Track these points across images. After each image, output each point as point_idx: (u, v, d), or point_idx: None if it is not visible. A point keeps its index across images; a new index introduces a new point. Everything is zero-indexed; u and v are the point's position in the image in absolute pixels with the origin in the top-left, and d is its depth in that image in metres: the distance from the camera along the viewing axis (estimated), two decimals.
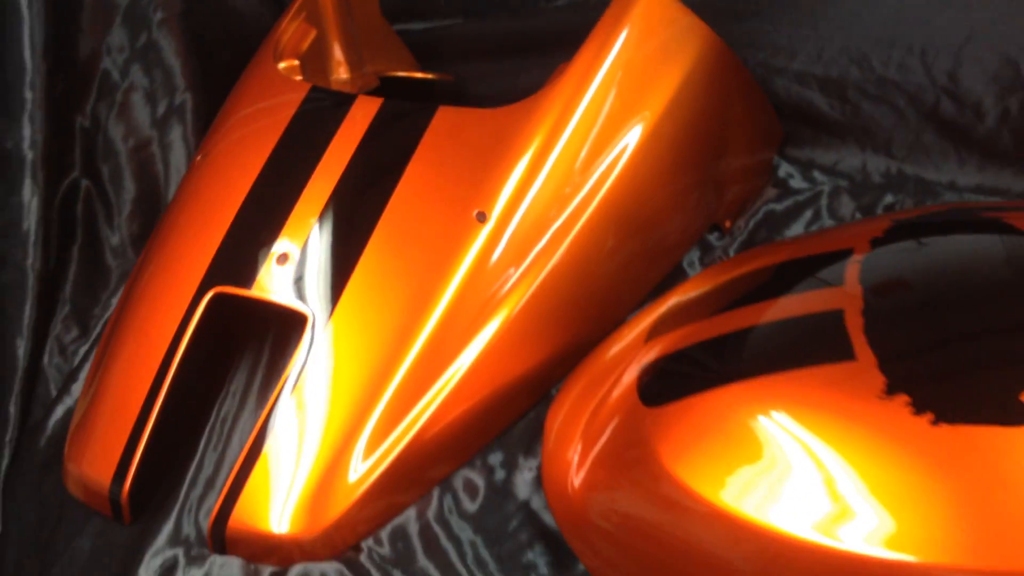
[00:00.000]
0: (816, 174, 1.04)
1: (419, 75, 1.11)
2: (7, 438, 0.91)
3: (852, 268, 0.67)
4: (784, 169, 1.05)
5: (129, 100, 1.08)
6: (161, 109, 1.07)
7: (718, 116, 0.94)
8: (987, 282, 0.64)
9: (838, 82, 1.01)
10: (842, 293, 0.65)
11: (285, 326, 0.78)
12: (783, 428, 0.60)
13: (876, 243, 0.69)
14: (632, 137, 0.85)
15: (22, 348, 0.95)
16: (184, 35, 1.09)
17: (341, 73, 1.03)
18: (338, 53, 1.02)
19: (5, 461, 0.89)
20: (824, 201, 0.99)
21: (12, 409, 0.92)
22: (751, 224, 0.99)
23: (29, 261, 0.98)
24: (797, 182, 1.04)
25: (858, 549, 0.55)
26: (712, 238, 0.98)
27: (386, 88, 1.06)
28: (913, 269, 0.66)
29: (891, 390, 0.58)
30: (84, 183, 1.06)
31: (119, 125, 1.08)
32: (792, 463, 0.59)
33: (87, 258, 1.04)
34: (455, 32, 1.22)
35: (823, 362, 0.61)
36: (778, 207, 1.00)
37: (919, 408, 0.57)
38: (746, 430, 0.62)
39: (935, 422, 0.56)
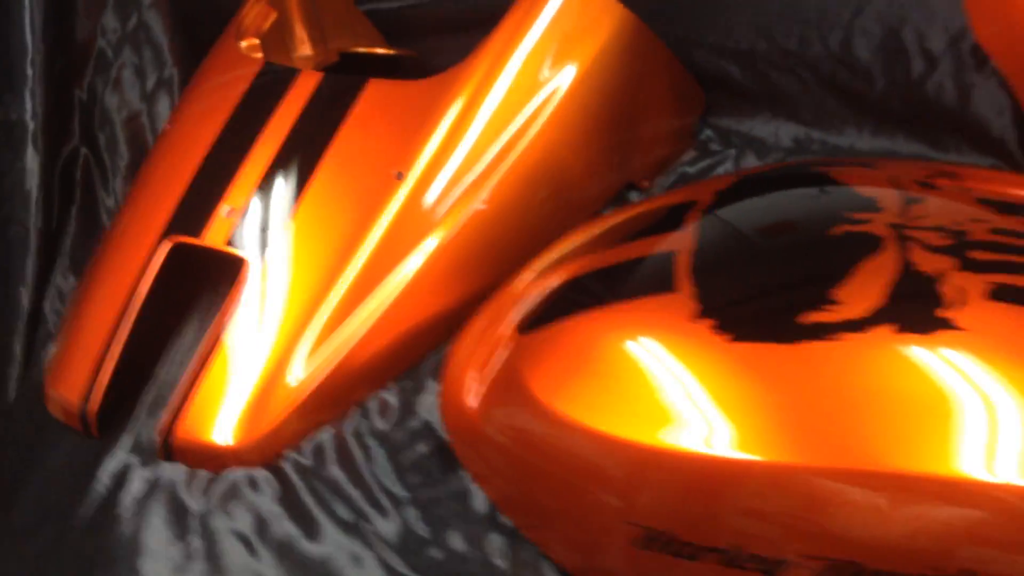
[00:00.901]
0: (733, 139, 1.14)
1: (381, 51, 1.23)
2: (13, 374, 1.05)
3: (693, 216, 0.78)
4: (705, 134, 1.16)
5: (122, 75, 1.21)
6: (151, 83, 1.21)
7: (633, 87, 1.05)
8: (795, 226, 0.75)
9: (748, 54, 1.11)
10: (679, 237, 0.76)
11: (233, 271, 0.91)
12: (622, 349, 0.72)
13: (719, 195, 0.80)
14: (545, 105, 0.97)
15: (25, 296, 1.09)
16: (171, 17, 1.22)
17: (304, 50, 1.16)
18: (300, 32, 1.15)
19: (12, 393, 1.03)
20: (730, 164, 1.09)
21: (17, 348, 1.07)
22: (666, 184, 1.09)
23: (32, 219, 1.12)
24: (715, 146, 1.14)
25: (699, 450, 0.66)
26: (633, 196, 1.09)
27: (348, 63, 1.18)
28: (738, 216, 0.77)
29: (701, 315, 0.69)
30: (83, 151, 1.20)
31: (114, 98, 1.21)
32: (633, 379, 0.70)
33: (84, 217, 1.18)
34: (422, 10, 1.33)
35: (654, 293, 0.73)
36: (691, 169, 1.10)
37: (719, 328, 0.68)
38: (593, 352, 0.73)
39: (732, 340, 0.68)
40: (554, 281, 0.81)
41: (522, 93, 0.95)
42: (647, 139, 1.09)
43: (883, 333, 0.65)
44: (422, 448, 0.84)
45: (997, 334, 0.64)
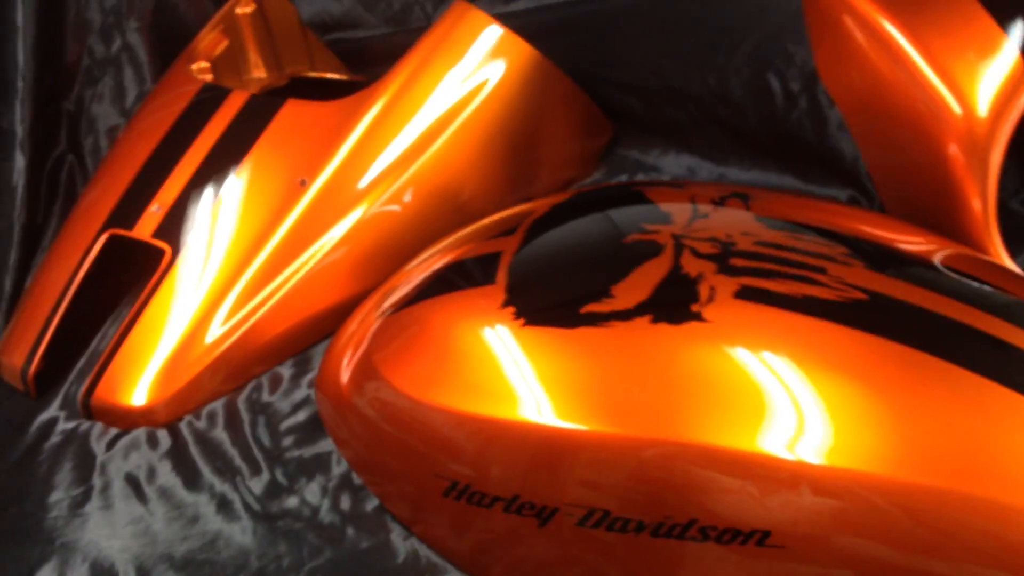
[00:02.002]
0: (636, 167, 1.27)
1: (331, 76, 1.38)
2: None
3: (526, 222, 0.91)
4: (608, 163, 1.29)
5: (107, 90, 1.38)
6: (131, 98, 1.37)
7: (534, 115, 1.18)
8: (599, 234, 0.88)
9: (644, 90, 1.24)
10: (511, 239, 0.90)
11: (158, 259, 1.06)
12: (444, 330, 0.85)
13: (552, 207, 0.94)
14: (444, 127, 1.11)
15: (8, 282, 1.24)
16: (152, 40, 1.38)
17: (257, 73, 1.32)
18: (254, 57, 1.31)
19: None
20: None
21: None
22: None
23: (16, 214, 1.28)
24: (615, 173, 1.27)
25: (475, 412, 0.79)
26: None
27: (297, 87, 1.34)
28: (557, 224, 0.90)
29: (505, 304, 0.83)
30: (69, 157, 1.36)
31: (98, 110, 1.38)
32: (450, 356, 0.84)
33: (65, 215, 1.34)
34: (381, 40, 1.48)
35: (480, 285, 0.86)
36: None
37: (517, 315, 0.81)
38: (423, 333, 0.87)
39: (524, 324, 0.81)
40: (422, 271, 0.95)
41: (422, 115, 1.10)
42: (550, 162, 1.22)
43: (642, 323, 0.78)
44: (300, 417, 0.98)
45: (734, 326, 0.77)
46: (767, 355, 0.75)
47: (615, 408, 0.76)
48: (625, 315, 0.78)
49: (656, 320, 0.77)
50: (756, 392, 0.73)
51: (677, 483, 0.74)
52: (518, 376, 0.79)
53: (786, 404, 0.72)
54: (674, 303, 0.78)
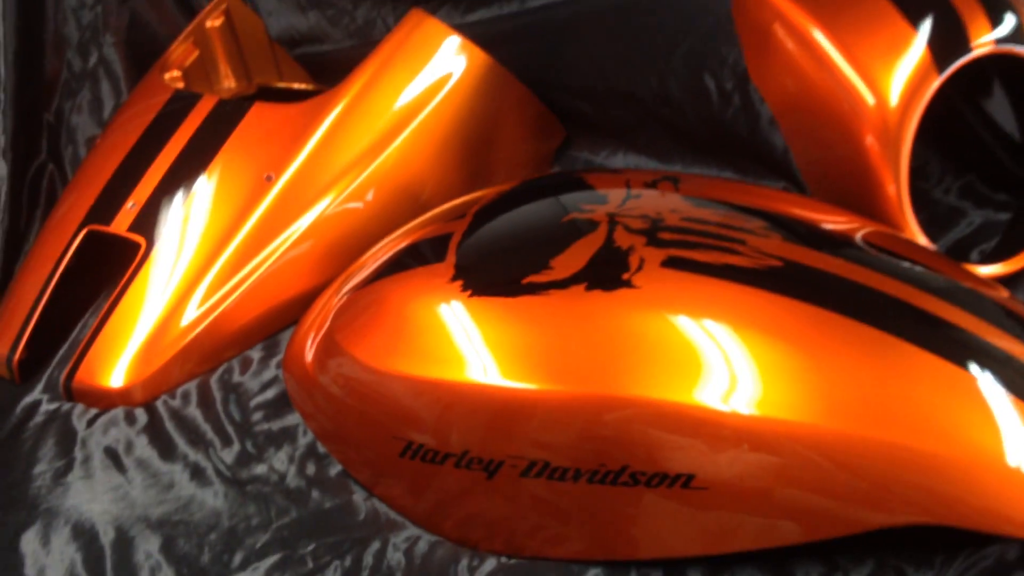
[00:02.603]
0: (587, 167, 1.36)
1: (297, 86, 1.46)
2: None
3: (474, 208, 0.99)
4: (561, 163, 1.37)
5: (85, 102, 1.45)
6: (108, 110, 1.45)
7: (488, 117, 1.27)
8: (542, 214, 0.96)
9: (593, 93, 1.33)
10: (461, 222, 0.97)
11: (134, 251, 1.13)
12: (399, 304, 0.93)
13: (500, 193, 1.02)
14: (402, 127, 1.18)
15: None
16: (127, 55, 1.46)
17: (227, 83, 1.40)
18: (223, 67, 1.39)
19: None
20: None
21: None
22: None
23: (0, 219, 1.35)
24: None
25: (433, 376, 0.87)
26: None
27: (264, 95, 1.42)
28: (504, 208, 0.98)
29: (454, 278, 0.91)
30: (50, 166, 1.43)
31: (77, 121, 1.45)
32: (406, 326, 0.91)
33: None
34: (345, 53, 1.56)
35: (432, 263, 0.94)
36: None
37: (465, 287, 0.89)
38: (380, 307, 0.94)
39: (471, 296, 0.89)
40: (378, 257, 1.02)
41: (381, 116, 1.18)
42: (506, 162, 1.30)
43: (578, 290, 0.86)
44: (269, 394, 1.05)
45: (661, 292, 0.85)
46: (690, 317, 0.83)
47: (554, 367, 0.83)
48: (562, 284, 0.86)
49: (590, 287, 0.85)
50: (679, 349, 0.81)
51: (609, 433, 0.81)
52: (467, 342, 0.86)
53: (706, 359, 0.80)
54: (607, 272, 0.86)
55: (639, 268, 0.85)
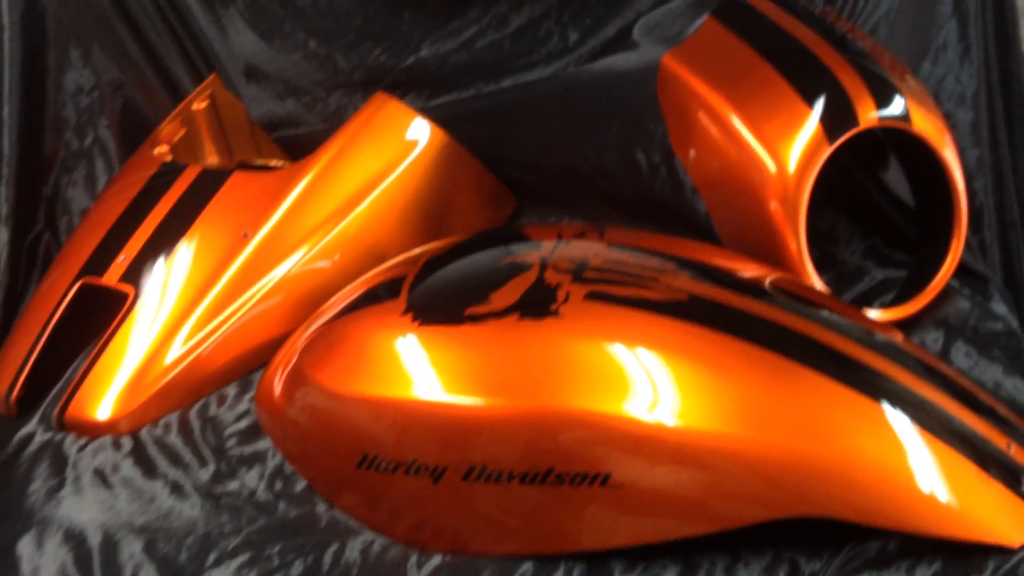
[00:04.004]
0: None
1: (274, 163, 1.62)
2: None
3: (426, 255, 1.14)
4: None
5: (80, 178, 1.60)
6: (100, 184, 1.59)
7: (445, 188, 1.42)
8: (482, 259, 1.11)
9: (541, 168, 1.49)
10: (411, 267, 1.12)
11: (123, 300, 1.27)
12: (359, 335, 1.06)
13: (452, 244, 1.16)
14: (365, 194, 1.34)
15: None
16: (120, 135, 1.61)
17: (211, 159, 1.55)
18: (208, 145, 1.54)
19: None
20: None
21: None
22: None
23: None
24: None
25: (394, 395, 1.00)
26: None
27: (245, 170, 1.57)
28: (453, 255, 1.13)
29: (406, 311, 1.05)
30: (46, 235, 1.57)
31: (72, 194, 1.59)
32: (365, 355, 1.05)
33: None
34: (319, 135, 1.72)
35: (387, 300, 1.08)
36: None
37: (415, 318, 1.03)
38: (342, 339, 1.08)
39: (420, 325, 1.03)
40: (345, 297, 1.16)
41: (347, 184, 1.33)
42: (462, 229, 1.45)
43: (512, 319, 1.00)
44: (242, 424, 1.18)
45: (583, 320, 0.99)
46: (607, 341, 0.97)
47: (492, 384, 0.97)
48: (499, 314, 1.00)
49: (523, 317, 0.99)
50: (598, 368, 0.95)
51: (536, 439, 0.94)
52: (416, 365, 1.00)
53: (619, 375, 0.94)
54: (537, 304, 1.00)
55: (565, 300, 1.00)
